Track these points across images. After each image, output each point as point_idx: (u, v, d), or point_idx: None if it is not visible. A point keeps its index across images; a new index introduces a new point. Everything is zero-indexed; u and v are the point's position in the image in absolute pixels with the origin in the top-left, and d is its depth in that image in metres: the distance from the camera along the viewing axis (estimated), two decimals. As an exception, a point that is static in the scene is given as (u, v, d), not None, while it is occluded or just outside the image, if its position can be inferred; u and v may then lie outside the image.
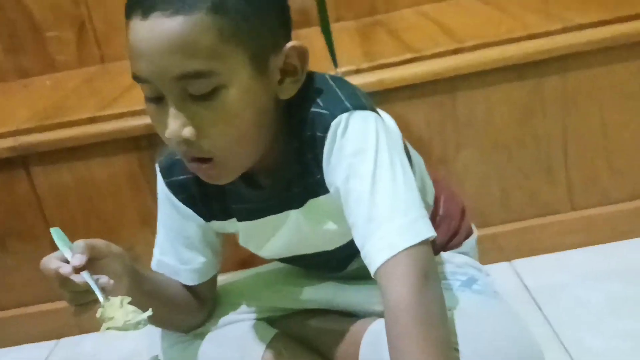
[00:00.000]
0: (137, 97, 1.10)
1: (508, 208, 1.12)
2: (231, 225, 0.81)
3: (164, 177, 0.79)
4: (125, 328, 0.62)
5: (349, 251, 0.76)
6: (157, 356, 0.91)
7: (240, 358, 0.84)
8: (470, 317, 0.70)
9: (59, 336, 1.14)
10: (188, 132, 0.63)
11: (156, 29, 0.59)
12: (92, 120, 1.05)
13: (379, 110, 0.72)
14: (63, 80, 1.38)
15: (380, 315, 0.81)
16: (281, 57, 0.65)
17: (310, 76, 0.71)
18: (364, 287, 0.84)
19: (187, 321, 0.86)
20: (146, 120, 1.03)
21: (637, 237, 1.11)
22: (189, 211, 0.79)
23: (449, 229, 0.86)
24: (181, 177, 0.78)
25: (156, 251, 0.84)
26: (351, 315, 0.87)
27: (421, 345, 0.59)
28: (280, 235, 0.78)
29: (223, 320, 0.89)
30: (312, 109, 0.68)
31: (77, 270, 0.63)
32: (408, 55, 1.06)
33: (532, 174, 1.10)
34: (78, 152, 1.05)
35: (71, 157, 1.06)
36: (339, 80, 0.72)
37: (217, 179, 0.69)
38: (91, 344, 1.11)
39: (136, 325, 0.62)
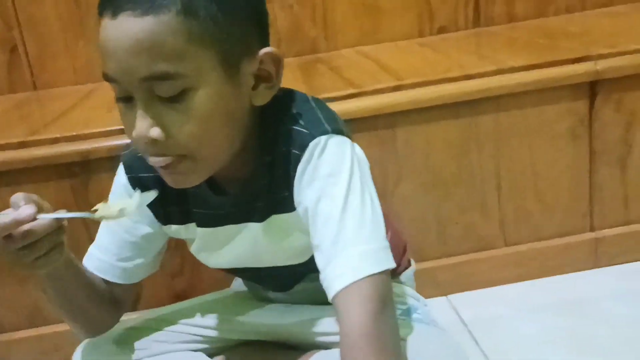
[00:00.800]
0: (70, 123, 1.07)
1: (445, 242, 1.14)
2: (188, 231, 0.79)
3: (126, 171, 0.77)
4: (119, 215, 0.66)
5: (299, 271, 0.76)
6: None
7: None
8: (412, 345, 0.70)
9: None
10: (155, 132, 0.62)
11: (124, 29, 0.59)
12: (22, 145, 1.00)
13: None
14: (-10, 105, 1.32)
15: (320, 347, 0.81)
16: (255, 62, 0.65)
17: (292, 94, 0.72)
18: (306, 316, 0.83)
19: (99, 319, 0.81)
20: (81, 146, 1.00)
21: (566, 272, 1.15)
22: (145, 211, 0.77)
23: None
24: (144, 174, 0.76)
25: (93, 246, 0.81)
26: (291, 348, 0.86)
27: None
28: (235, 245, 0.77)
29: (159, 348, 0.85)
30: (291, 126, 0.68)
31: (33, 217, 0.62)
32: (350, 91, 1.08)
33: (467, 210, 1.13)
34: (5, 177, 1.00)
35: (-2, 182, 1.00)
36: (320, 103, 0.72)
37: (182, 182, 0.68)
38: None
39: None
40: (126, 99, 0.64)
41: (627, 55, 1.10)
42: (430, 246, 1.13)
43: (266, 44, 0.67)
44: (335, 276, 0.63)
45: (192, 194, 0.75)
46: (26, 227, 0.62)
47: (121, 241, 0.80)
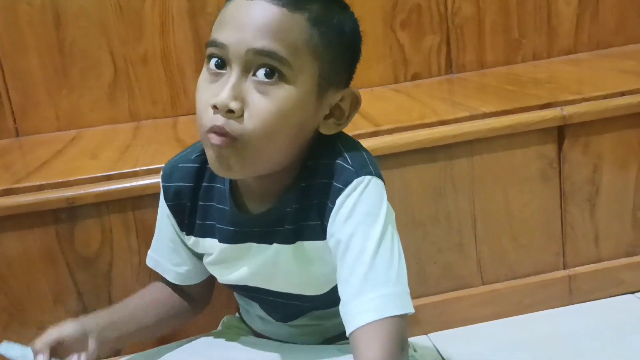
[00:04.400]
0: (55, 170, 1.09)
1: (424, 282, 1.16)
2: (206, 245, 0.82)
3: (163, 180, 0.82)
4: None
5: (308, 304, 0.80)
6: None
7: None
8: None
9: None
10: (235, 104, 0.66)
11: (259, 8, 0.66)
12: (7, 192, 1.02)
13: None
14: (-28, 152, 1.33)
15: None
16: (338, 95, 0.72)
17: (342, 133, 0.77)
18: (297, 358, 0.85)
19: (182, 321, 0.91)
20: (66, 192, 1.02)
21: (541, 309, 1.19)
22: (173, 219, 0.82)
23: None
24: (177, 184, 0.80)
25: (150, 250, 0.89)
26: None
27: None
28: (252, 263, 0.79)
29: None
30: (337, 160, 0.72)
31: None
32: (329, 136, 1.11)
33: (445, 250, 1.16)
34: (-11, 225, 1.01)
35: (-19, 230, 1.01)
36: (365, 149, 0.78)
37: (226, 169, 0.70)
38: None
39: None
40: (219, 66, 0.68)
41: (592, 101, 1.16)
42: (410, 285, 1.14)
43: (349, 85, 0.74)
44: (360, 312, 0.65)
45: (217, 209, 0.78)
46: None
47: (168, 248, 0.86)
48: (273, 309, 0.87)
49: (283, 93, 0.67)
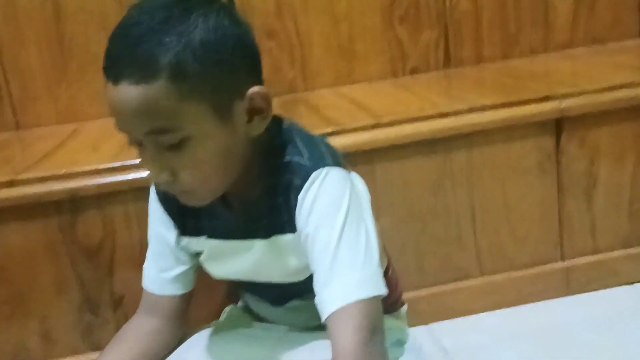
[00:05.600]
0: (57, 162, 1.09)
1: (423, 273, 1.17)
2: (199, 243, 0.84)
3: (154, 184, 0.85)
4: None
5: (294, 289, 0.82)
6: None
7: None
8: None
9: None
10: (164, 176, 0.71)
11: (124, 95, 0.66)
12: (10, 183, 1.02)
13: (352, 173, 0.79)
14: (-28, 145, 1.33)
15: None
16: (246, 101, 0.71)
17: (296, 127, 0.78)
18: (295, 348, 0.86)
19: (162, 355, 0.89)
20: (69, 184, 1.02)
21: (540, 299, 1.20)
22: (169, 221, 0.85)
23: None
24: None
25: (144, 265, 0.90)
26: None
27: None
28: (239, 260, 0.82)
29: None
30: (294, 158, 0.74)
31: None
32: (330, 129, 1.12)
33: (444, 242, 1.17)
34: (-8, 216, 1.01)
35: (-16, 221, 1.01)
36: (323, 140, 0.80)
37: (194, 204, 0.76)
38: None
39: None
40: (138, 144, 0.71)
41: (588, 94, 1.17)
42: (410, 277, 1.16)
43: (258, 79, 0.73)
44: (328, 300, 0.68)
45: (206, 208, 0.80)
46: None
47: (156, 254, 0.88)
48: (266, 296, 0.90)
49: (193, 149, 0.69)
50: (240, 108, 0.71)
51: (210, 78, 0.68)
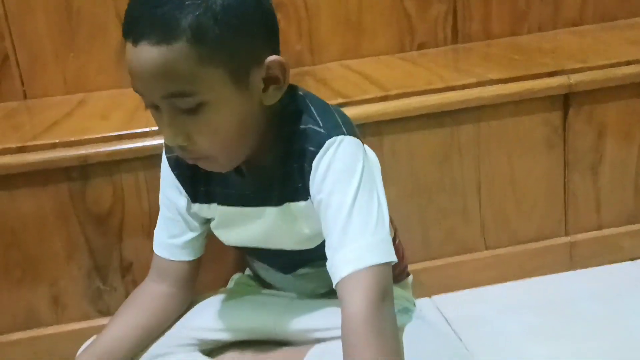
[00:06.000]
0: (66, 131, 1.10)
1: (428, 246, 1.19)
2: (210, 210, 0.85)
3: (166, 151, 0.86)
4: None
5: (304, 256, 0.83)
6: None
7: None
8: (412, 336, 0.75)
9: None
10: (179, 140, 0.71)
11: (143, 56, 0.67)
12: (21, 149, 1.03)
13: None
14: (-19, 113, 1.34)
15: (317, 342, 0.84)
16: (263, 69, 0.71)
17: (312, 96, 0.79)
18: (301, 313, 0.87)
19: (167, 323, 0.90)
20: (79, 151, 1.03)
21: (543, 274, 1.21)
22: (180, 187, 0.85)
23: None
24: (177, 154, 0.83)
25: (155, 230, 0.91)
26: (286, 345, 0.89)
27: (375, 354, 0.64)
28: (250, 227, 0.83)
29: (154, 352, 0.88)
30: (309, 126, 0.75)
31: None
32: (338, 100, 1.12)
33: (449, 215, 1.18)
34: (4, 182, 1.02)
35: (-5, 186, 1.02)
36: (337, 109, 0.80)
37: (216, 169, 0.77)
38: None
39: None
40: (154, 107, 0.71)
41: (597, 70, 1.17)
42: (414, 249, 1.18)
43: (276, 49, 0.73)
44: (340, 264, 0.69)
45: (218, 174, 0.81)
46: None
47: (167, 219, 0.89)
48: (275, 263, 0.91)
49: (208, 114, 0.70)
50: (257, 76, 0.72)
51: (230, 43, 0.68)
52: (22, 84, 1.40)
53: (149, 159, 1.03)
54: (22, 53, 1.39)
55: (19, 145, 1.03)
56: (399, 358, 0.67)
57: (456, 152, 1.16)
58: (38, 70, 1.40)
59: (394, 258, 0.71)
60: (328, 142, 0.73)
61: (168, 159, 0.87)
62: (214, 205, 0.85)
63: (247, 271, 1.02)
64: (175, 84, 0.67)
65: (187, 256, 0.90)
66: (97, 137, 1.04)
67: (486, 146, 1.16)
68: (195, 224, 0.89)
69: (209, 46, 0.67)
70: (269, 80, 0.73)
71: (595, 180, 1.21)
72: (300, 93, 0.80)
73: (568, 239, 1.22)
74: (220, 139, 0.72)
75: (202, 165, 0.76)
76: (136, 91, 0.71)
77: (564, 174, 1.20)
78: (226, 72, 0.69)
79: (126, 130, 1.06)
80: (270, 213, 0.81)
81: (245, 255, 0.98)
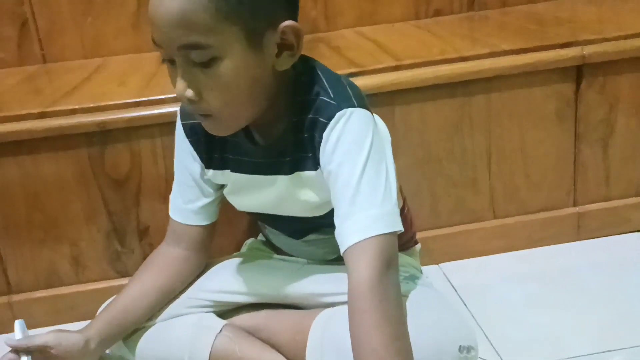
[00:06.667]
0: (85, 96, 1.12)
1: (437, 215, 1.21)
2: (224, 177, 0.88)
3: (181, 118, 0.89)
4: None
5: (313, 223, 0.86)
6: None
7: (190, 343, 0.88)
8: (416, 303, 0.77)
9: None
10: (190, 93, 0.73)
11: (164, 5, 0.69)
12: (42, 114, 1.06)
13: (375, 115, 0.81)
14: (2, 77, 1.36)
15: (327, 306, 0.88)
16: (277, 34, 0.73)
17: (324, 68, 0.80)
18: (311, 279, 0.91)
19: (191, 276, 0.95)
20: (98, 117, 1.06)
21: (550, 244, 1.23)
22: (195, 154, 0.88)
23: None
24: (192, 121, 0.87)
25: (171, 195, 0.94)
26: (297, 308, 0.93)
27: (379, 320, 0.67)
28: (263, 195, 0.86)
29: (170, 312, 0.92)
30: (321, 97, 0.77)
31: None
32: (351, 70, 1.13)
33: (459, 184, 1.20)
34: (26, 146, 1.05)
35: (18, 151, 1.05)
36: (349, 81, 0.81)
37: (216, 132, 0.79)
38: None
39: None
40: (170, 61, 0.73)
41: (612, 41, 1.17)
42: (424, 218, 1.20)
43: (293, 15, 0.75)
44: (347, 233, 0.72)
45: (232, 142, 0.84)
46: None
47: (182, 185, 0.91)
48: (285, 229, 0.94)
49: (222, 69, 0.72)
50: (271, 40, 0.73)
51: (250, 3, 0.70)
52: (41, 48, 1.42)
53: (166, 125, 1.06)
54: (40, 17, 1.41)
55: (40, 110, 1.06)
56: (402, 324, 0.70)
57: (467, 122, 1.17)
58: (56, 34, 1.42)
59: (399, 227, 0.73)
60: (338, 114, 0.75)
61: (183, 125, 0.89)
62: (227, 172, 0.88)
63: (260, 237, 1.06)
64: (192, 35, 0.69)
65: (201, 221, 0.93)
66: (116, 104, 1.06)
67: (497, 117, 1.17)
68: (209, 190, 0.92)
69: (229, 2, 0.69)
70: (283, 47, 0.74)
71: (606, 152, 1.22)
72: (313, 64, 0.81)
73: (576, 209, 1.24)
74: (229, 97, 0.73)
75: (207, 125, 0.78)
76: (155, 44, 0.73)
77: (575, 145, 1.21)
78: (242, 31, 0.71)
79: (144, 97, 1.08)
80: (281, 181, 0.83)
81: (257, 221, 1.01)
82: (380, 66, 1.14)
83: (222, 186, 0.92)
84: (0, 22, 1.39)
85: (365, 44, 1.35)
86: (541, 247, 1.23)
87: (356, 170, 0.73)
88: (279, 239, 0.97)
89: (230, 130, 0.79)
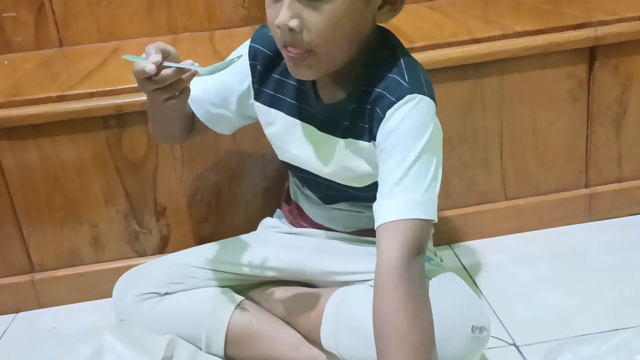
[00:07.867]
0: (102, 80, 1.14)
1: (449, 196, 1.22)
2: (270, 115, 0.90)
3: (253, 40, 0.89)
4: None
5: (348, 194, 0.88)
6: (122, 320, 0.95)
7: (210, 313, 0.90)
8: (436, 291, 0.78)
9: (16, 310, 1.16)
10: (294, 23, 0.73)
11: None
12: (60, 98, 1.08)
13: None
14: (19, 61, 1.38)
15: (342, 285, 0.90)
16: None
17: (403, 50, 0.82)
18: (331, 257, 0.93)
19: (176, 137, 0.98)
20: (116, 100, 1.08)
21: (561, 225, 1.24)
22: (250, 78, 0.89)
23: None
24: (264, 49, 0.88)
25: (196, 83, 0.89)
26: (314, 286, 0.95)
27: (404, 297, 0.70)
28: (311, 149, 0.87)
29: (192, 283, 0.95)
30: (395, 75, 0.78)
31: (159, 65, 0.75)
32: (364, 52, 1.14)
33: (471, 165, 1.21)
34: (45, 129, 1.08)
35: (38, 134, 1.08)
36: (424, 70, 0.82)
37: (303, 74, 0.80)
38: (50, 318, 1.13)
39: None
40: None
41: (626, 22, 1.16)
42: (436, 199, 1.21)
43: None
44: (387, 210, 0.74)
45: (295, 87, 0.86)
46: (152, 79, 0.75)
47: (217, 88, 0.91)
48: (319, 191, 0.95)
49: (331, 6, 0.72)
50: None
51: None
52: (58, 32, 1.44)
53: (181, 108, 1.07)
54: (57, 2, 1.43)
55: (58, 94, 1.08)
56: (425, 304, 0.72)
57: (480, 104, 1.17)
58: (72, 19, 1.44)
59: (436, 218, 0.75)
60: (408, 96, 0.76)
61: (251, 46, 0.89)
62: (275, 112, 0.89)
63: (276, 215, 1.07)
64: None
65: (214, 125, 0.95)
66: (132, 87, 1.08)
67: (509, 99, 1.18)
68: (233, 108, 0.92)
69: None
70: (387, 0, 0.77)
71: (618, 133, 1.22)
72: (395, 43, 0.83)
73: (588, 190, 1.24)
74: (332, 35, 0.74)
75: (297, 64, 0.77)
76: None
77: (587, 126, 1.21)
78: None
79: (159, 80, 1.09)
80: (332, 143, 0.85)
81: (291, 177, 1.02)
82: (393, 48, 1.14)
83: (246, 119, 0.94)
84: (17, 7, 1.41)
85: (378, 26, 1.35)
86: (552, 228, 1.24)
87: (410, 156, 0.74)
88: (307, 201, 0.98)
89: (319, 72, 0.79)
